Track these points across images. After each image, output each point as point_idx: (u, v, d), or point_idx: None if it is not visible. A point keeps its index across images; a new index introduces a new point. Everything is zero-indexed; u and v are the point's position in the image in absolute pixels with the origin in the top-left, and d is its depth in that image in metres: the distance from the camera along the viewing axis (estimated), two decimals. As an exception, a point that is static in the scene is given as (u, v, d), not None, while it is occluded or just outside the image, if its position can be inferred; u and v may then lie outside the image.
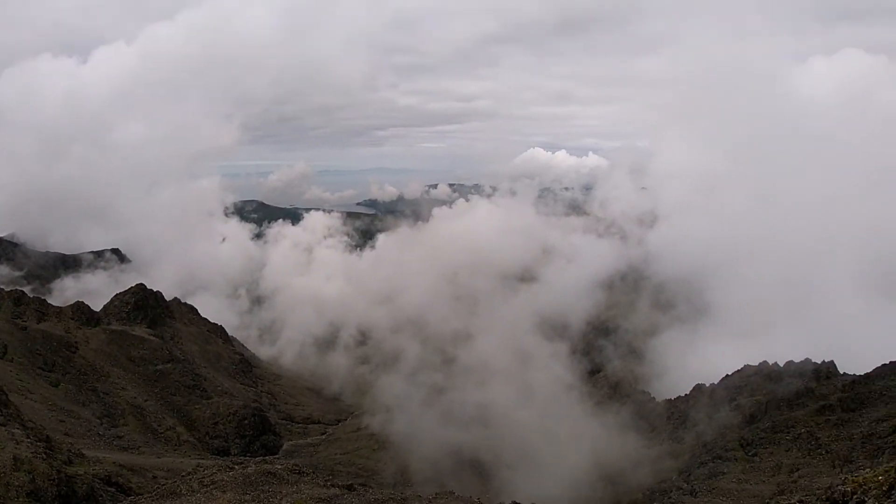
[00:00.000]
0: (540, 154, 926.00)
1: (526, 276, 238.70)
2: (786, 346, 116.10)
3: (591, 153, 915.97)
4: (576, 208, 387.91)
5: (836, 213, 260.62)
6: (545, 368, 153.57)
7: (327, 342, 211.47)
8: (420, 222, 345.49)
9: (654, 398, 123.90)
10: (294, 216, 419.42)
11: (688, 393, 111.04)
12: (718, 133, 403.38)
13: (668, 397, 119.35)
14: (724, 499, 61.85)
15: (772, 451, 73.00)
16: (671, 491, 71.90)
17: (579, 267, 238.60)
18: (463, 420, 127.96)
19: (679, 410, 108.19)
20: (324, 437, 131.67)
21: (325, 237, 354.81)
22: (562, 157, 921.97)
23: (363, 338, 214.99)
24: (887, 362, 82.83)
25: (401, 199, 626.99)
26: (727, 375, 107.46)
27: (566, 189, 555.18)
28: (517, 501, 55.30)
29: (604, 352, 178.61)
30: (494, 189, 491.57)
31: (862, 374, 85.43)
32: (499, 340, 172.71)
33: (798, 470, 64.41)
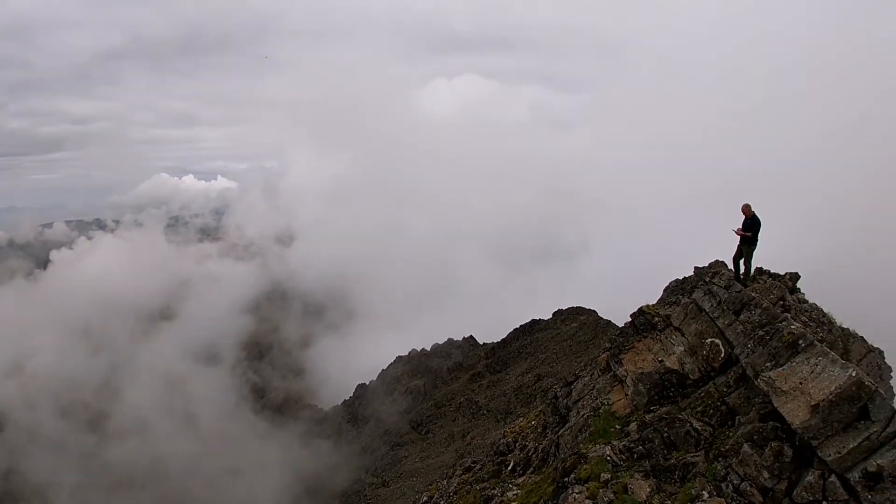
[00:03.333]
0: (166, 180, 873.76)
1: (167, 313, 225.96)
2: (434, 330, 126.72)
3: (219, 176, 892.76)
4: (209, 234, 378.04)
5: (460, 208, 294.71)
6: (210, 404, 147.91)
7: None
8: (37, 270, 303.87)
9: (321, 408, 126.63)
10: None
11: (353, 393, 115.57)
12: (348, 149, 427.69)
13: (338, 401, 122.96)
14: (414, 479, 66.39)
15: (441, 425, 79.99)
16: (364, 489, 74.98)
17: (222, 293, 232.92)
18: (136, 482, 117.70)
19: (351, 412, 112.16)
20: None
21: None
22: (189, 181, 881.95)
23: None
24: (518, 326, 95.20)
25: (11, 244, 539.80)
26: (384, 370, 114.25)
27: (196, 216, 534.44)
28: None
29: (264, 373, 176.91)
30: (118, 222, 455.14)
31: (499, 340, 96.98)
32: (152, 386, 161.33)
33: (469, 433, 71.45)
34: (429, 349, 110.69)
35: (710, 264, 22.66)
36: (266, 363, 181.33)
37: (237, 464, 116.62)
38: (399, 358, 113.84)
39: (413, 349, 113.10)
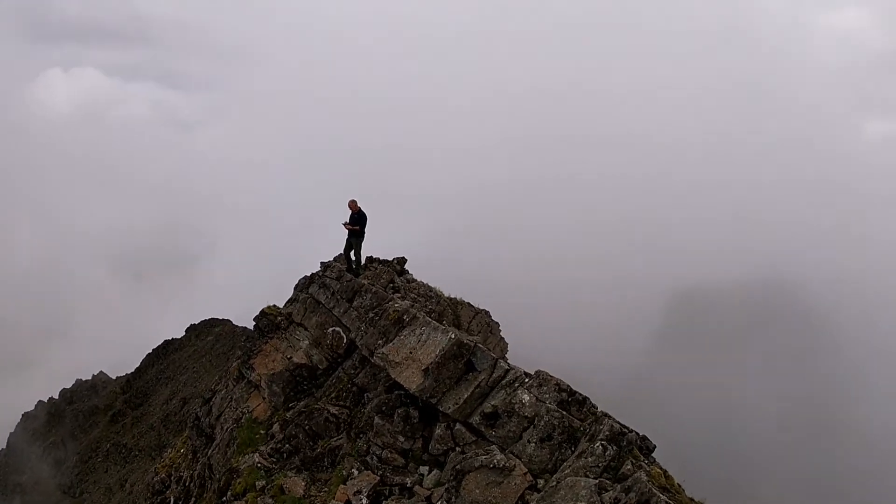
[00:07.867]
0: None
1: None
2: (58, 372, 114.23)
3: None
4: None
5: (74, 218, 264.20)
6: None
7: None
8: None
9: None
10: None
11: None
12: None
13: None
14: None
15: (94, 480, 73.25)
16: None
17: None
18: None
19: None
20: None
21: None
22: None
23: None
24: (150, 350, 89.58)
25: None
26: (11, 434, 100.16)
27: None
28: None
29: None
30: None
31: (133, 369, 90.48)
32: None
33: (127, 480, 66.32)
34: (57, 397, 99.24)
35: (335, 258, 24.08)
36: None
37: None
38: (25, 415, 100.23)
39: (39, 400, 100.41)
